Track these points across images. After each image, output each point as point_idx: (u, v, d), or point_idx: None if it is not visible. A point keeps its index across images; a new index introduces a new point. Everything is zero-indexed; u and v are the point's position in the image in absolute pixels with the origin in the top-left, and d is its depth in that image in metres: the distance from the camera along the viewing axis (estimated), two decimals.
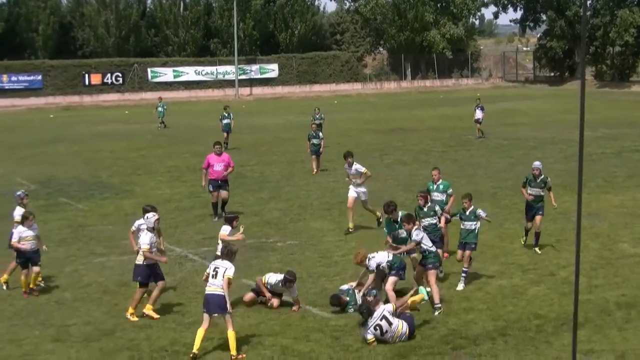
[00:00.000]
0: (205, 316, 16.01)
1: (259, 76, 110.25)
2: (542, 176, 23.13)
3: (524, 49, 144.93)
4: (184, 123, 66.58)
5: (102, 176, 39.56)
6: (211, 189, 28.55)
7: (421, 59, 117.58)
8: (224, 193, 28.59)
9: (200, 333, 15.86)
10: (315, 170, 38.48)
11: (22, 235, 20.14)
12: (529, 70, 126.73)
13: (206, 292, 16.04)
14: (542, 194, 23.16)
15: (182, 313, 18.22)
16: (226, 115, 48.46)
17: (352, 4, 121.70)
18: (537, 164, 23.48)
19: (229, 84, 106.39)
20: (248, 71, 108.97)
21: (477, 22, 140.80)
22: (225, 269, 15.91)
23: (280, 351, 15.79)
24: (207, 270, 16.32)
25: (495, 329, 16.56)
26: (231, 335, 15.71)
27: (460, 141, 48.92)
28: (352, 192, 26.38)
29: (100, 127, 64.78)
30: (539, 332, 16.48)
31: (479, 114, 50.43)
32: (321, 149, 38.99)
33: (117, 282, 21.15)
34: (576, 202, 11.78)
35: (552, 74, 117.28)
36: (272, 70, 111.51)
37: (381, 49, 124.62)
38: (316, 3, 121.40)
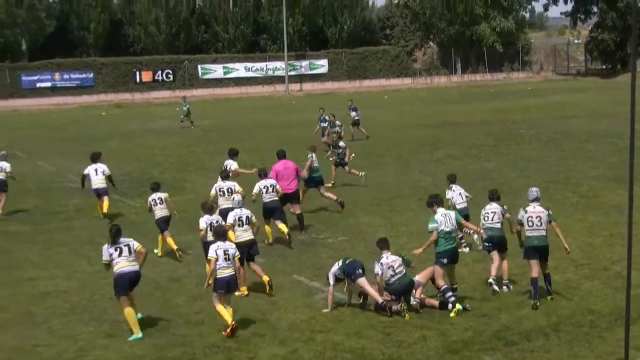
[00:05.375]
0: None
1: (308, 72, 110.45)
2: None
3: (575, 41, 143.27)
4: (234, 119, 66.85)
5: (153, 173, 39.81)
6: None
7: (471, 53, 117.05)
8: (295, 206, 26.03)
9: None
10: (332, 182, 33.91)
11: None
12: (581, 62, 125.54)
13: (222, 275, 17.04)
14: None
15: (234, 310, 18.27)
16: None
17: None
18: None
19: (279, 79, 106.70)
20: (298, 67, 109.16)
21: (527, 15, 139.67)
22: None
23: (332, 347, 15.77)
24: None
25: (548, 325, 16.42)
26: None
27: (511, 135, 48.56)
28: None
29: (151, 124, 65.27)
30: (593, 328, 16.31)
31: (354, 115, 49.29)
32: (346, 159, 34.16)
33: (168, 278, 21.30)
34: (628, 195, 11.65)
35: (604, 67, 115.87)
36: (321, 65, 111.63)
37: (431, 43, 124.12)
38: None
